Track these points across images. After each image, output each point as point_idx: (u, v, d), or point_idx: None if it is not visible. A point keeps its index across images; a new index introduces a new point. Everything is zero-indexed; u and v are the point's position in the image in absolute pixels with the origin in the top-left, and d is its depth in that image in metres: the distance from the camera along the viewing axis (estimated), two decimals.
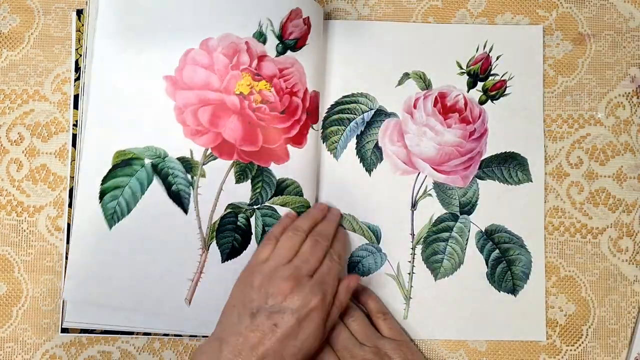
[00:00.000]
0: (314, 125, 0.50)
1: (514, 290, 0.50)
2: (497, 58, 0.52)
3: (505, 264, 0.51)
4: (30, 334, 0.49)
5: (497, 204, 0.51)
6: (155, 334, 0.49)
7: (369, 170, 0.51)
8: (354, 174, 0.51)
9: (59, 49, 0.51)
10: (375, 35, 0.52)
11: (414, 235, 0.51)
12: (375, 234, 0.51)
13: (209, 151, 0.48)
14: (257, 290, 0.42)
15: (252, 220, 0.48)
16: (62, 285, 0.48)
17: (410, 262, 0.51)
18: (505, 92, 0.52)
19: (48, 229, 0.50)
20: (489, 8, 0.53)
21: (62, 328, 0.47)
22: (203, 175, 0.48)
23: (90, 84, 0.47)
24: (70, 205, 0.48)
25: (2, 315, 0.49)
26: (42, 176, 0.50)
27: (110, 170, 0.47)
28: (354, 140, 0.51)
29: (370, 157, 0.51)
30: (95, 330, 0.48)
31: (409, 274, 0.50)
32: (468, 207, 0.51)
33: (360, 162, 0.51)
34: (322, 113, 0.51)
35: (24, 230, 0.50)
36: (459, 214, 0.51)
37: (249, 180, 0.48)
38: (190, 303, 0.47)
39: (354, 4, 0.53)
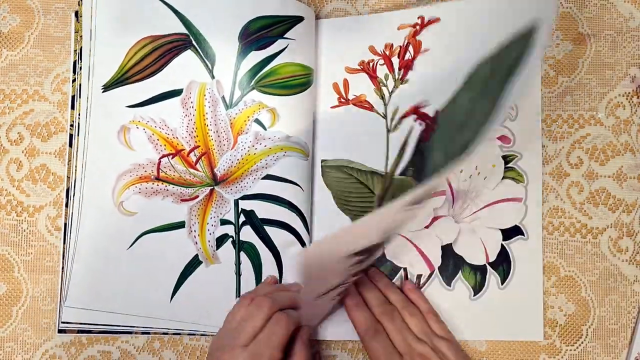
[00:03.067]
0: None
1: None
2: None
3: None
4: (30, 333, 0.49)
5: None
6: (155, 333, 0.49)
7: None
8: None
9: (59, 49, 0.51)
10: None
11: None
12: None
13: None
14: (210, 358, 0.42)
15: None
16: (59, 285, 0.48)
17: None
18: None
19: (48, 228, 0.50)
20: None
21: (59, 329, 0.47)
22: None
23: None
24: (66, 205, 0.48)
25: (2, 315, 0.49)
26: (41, 176, 0.50)
27: None
28: None
29: None
30: (92, 330, 0.48)
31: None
32: None
33: None
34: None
35: (24, 230, 0.50)
36: None
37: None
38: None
39: (353, 3, 0.53)
